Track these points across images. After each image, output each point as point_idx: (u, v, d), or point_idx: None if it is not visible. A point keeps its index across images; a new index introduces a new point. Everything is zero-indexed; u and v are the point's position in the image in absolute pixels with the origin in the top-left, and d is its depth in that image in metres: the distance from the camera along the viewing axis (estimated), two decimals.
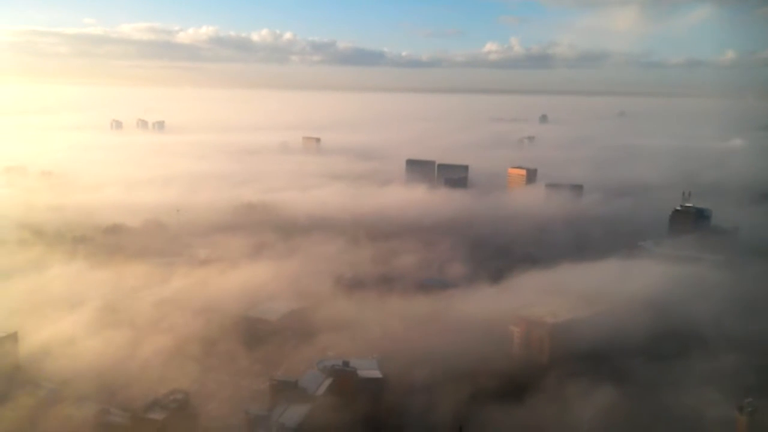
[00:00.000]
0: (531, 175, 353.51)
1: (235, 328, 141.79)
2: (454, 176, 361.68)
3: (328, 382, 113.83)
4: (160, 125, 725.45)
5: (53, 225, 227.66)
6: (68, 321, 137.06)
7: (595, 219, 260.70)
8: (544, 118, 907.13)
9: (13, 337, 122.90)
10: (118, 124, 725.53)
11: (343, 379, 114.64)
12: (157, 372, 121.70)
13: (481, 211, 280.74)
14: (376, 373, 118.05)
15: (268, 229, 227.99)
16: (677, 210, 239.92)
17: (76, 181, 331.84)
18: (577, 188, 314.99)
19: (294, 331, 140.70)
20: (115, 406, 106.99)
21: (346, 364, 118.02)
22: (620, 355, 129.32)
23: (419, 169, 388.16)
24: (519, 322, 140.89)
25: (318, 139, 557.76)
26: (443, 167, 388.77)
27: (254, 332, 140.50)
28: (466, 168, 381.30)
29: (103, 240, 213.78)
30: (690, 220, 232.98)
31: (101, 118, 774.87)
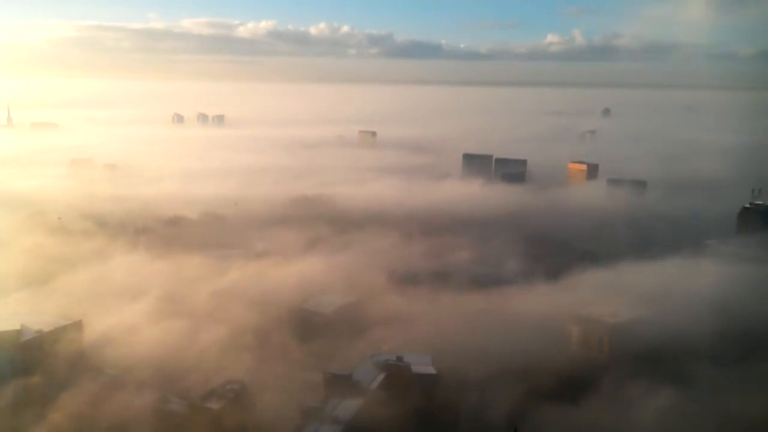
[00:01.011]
0: (592, 170, 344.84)
1: (290, 320, 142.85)
2: (511, 171, 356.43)
3: (381, 376, 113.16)
4: (219, 119, 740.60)
5: (116, 216, 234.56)
6: (129, 310, 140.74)
7: (658, 216, 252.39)
8: (606, 112, 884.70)
9: (77, 325, 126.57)
10: (179, 118, 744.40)
11: (397, 374, 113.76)
12: (214, 362, 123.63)
13: (539, 206, 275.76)
14: (430, 369, 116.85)
15: (323, 222, 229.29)
16: (746, 208, 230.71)
17: (139, 173, 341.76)
18: (641, 184, 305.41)
19: (347, 325, 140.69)
20: (173, 394, 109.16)
21: (399, 358, 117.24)
22: (683, 356, 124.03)
23: (476, 163, 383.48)
24: (578, 320, 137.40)
25: (374, 133, 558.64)
26: (501, 161, 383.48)
27: (308, 325, 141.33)
28: (524, 162, 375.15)
29: (164, 231, 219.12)
30: (759, 218, 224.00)
31: (163, 112, 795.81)
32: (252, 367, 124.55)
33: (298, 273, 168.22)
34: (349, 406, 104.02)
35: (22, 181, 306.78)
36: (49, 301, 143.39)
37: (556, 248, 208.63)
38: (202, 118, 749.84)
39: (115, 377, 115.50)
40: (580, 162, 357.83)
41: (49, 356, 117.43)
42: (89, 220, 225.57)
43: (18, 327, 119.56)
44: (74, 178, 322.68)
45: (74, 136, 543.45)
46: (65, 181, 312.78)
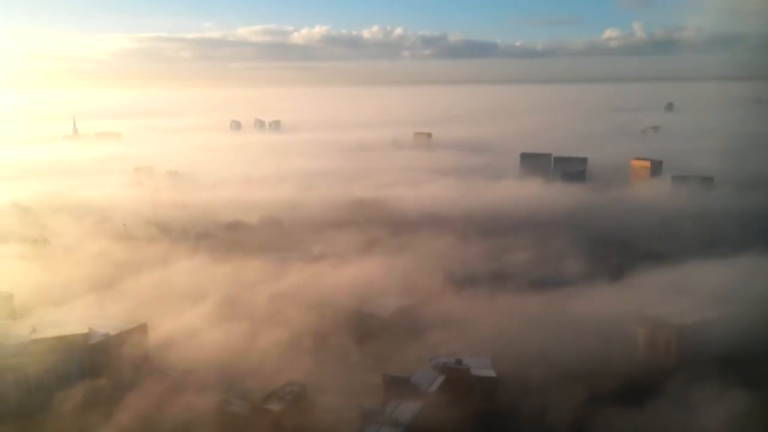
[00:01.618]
0: (656, 167, 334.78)
1: (347, 322, 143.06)
2: (571, 169, 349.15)
3: (440, 379, 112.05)
4: (276, 125, 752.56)
5: (178, 222, 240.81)
6: (191, 313, 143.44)
7: (726, 214, 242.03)
8: (670, 107, 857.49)
9: (142, 328, 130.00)
10: (237, 125, 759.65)
11: (456, 377, 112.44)
12: (273, 364, 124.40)
13: (601, 205, 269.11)
14: (490, 372, 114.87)
15: (379, 225, 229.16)
16: None
17: (199, 179, 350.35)
18: (707, 181, 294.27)
19: (405, 327, 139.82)
20: (234, 396, 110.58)
21: (458, 361, 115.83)
22: (754, 359, 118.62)
23: (534, 162, 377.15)
24: (643, 322, 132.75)
25: (429, 134, 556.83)
26: (560, 160, 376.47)
27: (366, 327, 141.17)
28: (584, 160, 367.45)
29: (224, 236, 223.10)
30: None
31: (221, 119, 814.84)
32: (311, 369, 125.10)
33: (355, 275, 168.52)
34: (408, 409, 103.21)
35: (89, 189, 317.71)
36: (115, 305, 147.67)
37: (619, 248, 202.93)
38: (259, 124, 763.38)
39: (178, 379, 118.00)
40: (643, 159, 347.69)
41: (115, 358, 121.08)
42: (152, 226, 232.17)
43: (86, 330, 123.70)
44: (138, 186, 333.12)
45: (137, 144, 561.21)
46: (129, 189, 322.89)
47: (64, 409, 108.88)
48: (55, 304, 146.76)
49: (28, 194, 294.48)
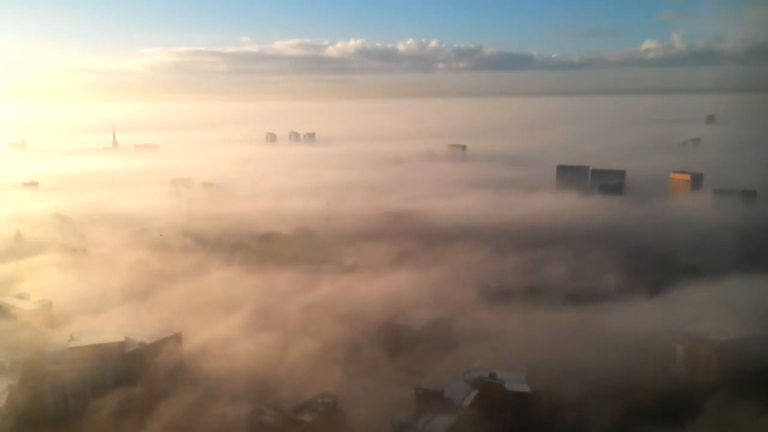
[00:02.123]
0: (696, 181, 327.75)
1: (380, 334, 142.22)
2: (609, 182, 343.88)
3: (473, 393, 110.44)
4: (310, 137, 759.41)
5: (213, 233, 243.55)
6: (225, 323, 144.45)
7: None
8: (710, 119, 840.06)
9: (177, 338, 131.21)
10: (272, 137, 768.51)
11: (490, 392, 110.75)
12: (305, 375, 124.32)
13: (639, 218, 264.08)
14: (525, 387, 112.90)
15: (412, 237, 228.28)
16: None
17: (234, 191, 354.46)
18: (750, 194, 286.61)
19: (438, 341, 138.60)
20: (266, 406, 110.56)
21: (492, 376, 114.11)
22: None
23: (571, 175, 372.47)
24: (682, 338, 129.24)
25: (463, 147, 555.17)
26: (597, 173, 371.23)
27: (398, 340, 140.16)
28: (622, 173, 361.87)
29: (258, 247, 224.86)
30: None
31: (257, 131, 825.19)
32: (343, 381, 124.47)
33: (387, 287, 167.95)
34: (440, 423, 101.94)
35: (127, 200, 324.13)
36: (151, 314, 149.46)
37: (658, 262, 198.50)
38: (294, 136, 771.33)
39: (210, 388, 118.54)
40: (683, 172, 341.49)
41: (150, 367, 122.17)
42: (188, 237, 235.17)
43: (122, 339, 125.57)
44: (174, 197, 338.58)
45: (174, 156, 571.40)
46: (166, 200, 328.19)
47: (100, 416, 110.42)
48: (92, 313, 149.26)
49: (69, 204, 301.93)
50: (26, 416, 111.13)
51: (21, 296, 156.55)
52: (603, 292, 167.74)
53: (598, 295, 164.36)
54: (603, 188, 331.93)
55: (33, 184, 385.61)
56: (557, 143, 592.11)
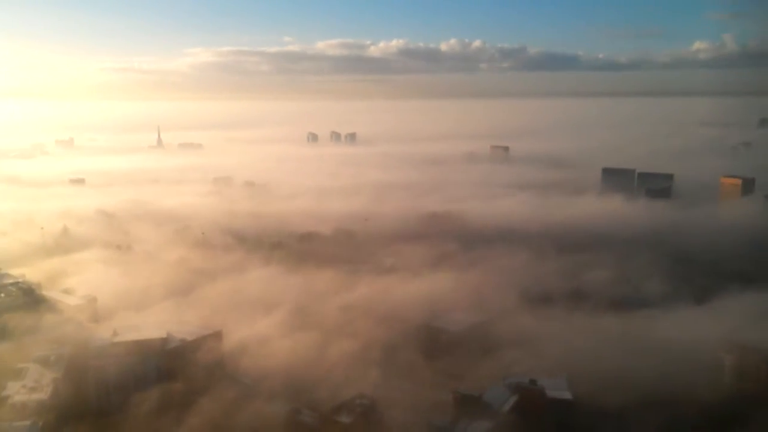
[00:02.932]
0: (747, 185, 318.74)
1: (418, 336, 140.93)
2: (656, 186, 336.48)
3: (513, 399, 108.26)
4: (351, 137, 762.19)
5: (253, 231, 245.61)
6: (264, 321, 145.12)
7: None
8: (763, 122, 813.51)
9: (217, 335, 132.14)
10: (313, 137, 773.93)
11: (530, 398, 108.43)
12: (342, 375, 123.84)
13: (687, 223, 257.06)
14: (566, 394, 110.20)
15: (452, 239, 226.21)
16: None
17: (275, 190, 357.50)
18: None
19: (477, 344, 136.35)
20: (303, 405, 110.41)
21: (533, 382, 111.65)
22: None
23: (616, 178, 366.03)
24: (731, 348, 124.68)
25: (506, 148, 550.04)
26: (644, 176, 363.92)
27: (436, 342, 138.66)
28: (670, 177, 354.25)
29: (297, 246, 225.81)
30: None
31: (298, 131, 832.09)
32: (380, 383, 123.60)
33: (425, 289, 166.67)
34: (479, 428, 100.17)
35: (171, 198, 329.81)
36: (192, 311, 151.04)
37: (706, 269, 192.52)
38: (335, 136, 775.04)
39: (249, 386, 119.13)
40: (734, 176, 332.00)
41: (190, 363, 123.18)
42: (229, 235, 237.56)
43: (164, 335, 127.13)
44: (216, 196, 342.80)
45: (217, 155, 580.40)
46: (208, 198, 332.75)
47: (141, 410, 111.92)
48: (135, 309, 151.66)
49: (114, 202, 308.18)
50: (70, 409, 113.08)
51: (67, 291, 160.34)
52: (648, 298, 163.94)
53: (643, 301, 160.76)
54: (650, 192, 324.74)
55: (80, 181, 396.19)
56: (603, 145, 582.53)
